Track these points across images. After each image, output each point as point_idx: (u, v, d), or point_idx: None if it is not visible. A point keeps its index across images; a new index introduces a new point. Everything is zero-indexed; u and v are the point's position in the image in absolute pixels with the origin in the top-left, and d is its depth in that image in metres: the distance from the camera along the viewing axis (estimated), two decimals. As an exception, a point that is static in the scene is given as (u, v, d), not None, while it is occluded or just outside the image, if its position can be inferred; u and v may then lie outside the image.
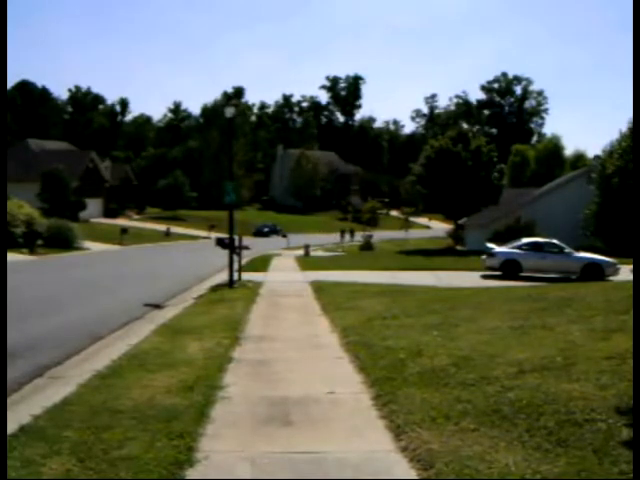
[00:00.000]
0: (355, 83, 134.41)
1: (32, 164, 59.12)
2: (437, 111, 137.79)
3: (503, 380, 6.40)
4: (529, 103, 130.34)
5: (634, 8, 4.34)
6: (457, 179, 44.49)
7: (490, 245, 26.42)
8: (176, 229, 63.43)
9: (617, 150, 25.36)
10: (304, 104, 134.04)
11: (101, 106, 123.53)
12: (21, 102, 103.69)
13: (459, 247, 47.77)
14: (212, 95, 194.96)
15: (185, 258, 35.96)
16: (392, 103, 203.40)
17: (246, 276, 20.02)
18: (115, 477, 4.39)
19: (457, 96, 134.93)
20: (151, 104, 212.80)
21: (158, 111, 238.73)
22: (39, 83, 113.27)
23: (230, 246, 19.05)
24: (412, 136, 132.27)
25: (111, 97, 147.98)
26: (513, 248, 25.15)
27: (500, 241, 29.44)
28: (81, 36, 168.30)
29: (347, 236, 61.19)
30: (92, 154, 68.56)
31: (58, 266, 28.30)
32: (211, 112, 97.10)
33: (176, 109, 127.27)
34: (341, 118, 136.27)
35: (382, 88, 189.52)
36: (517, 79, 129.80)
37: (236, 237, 19.75)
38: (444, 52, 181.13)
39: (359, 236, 56.41)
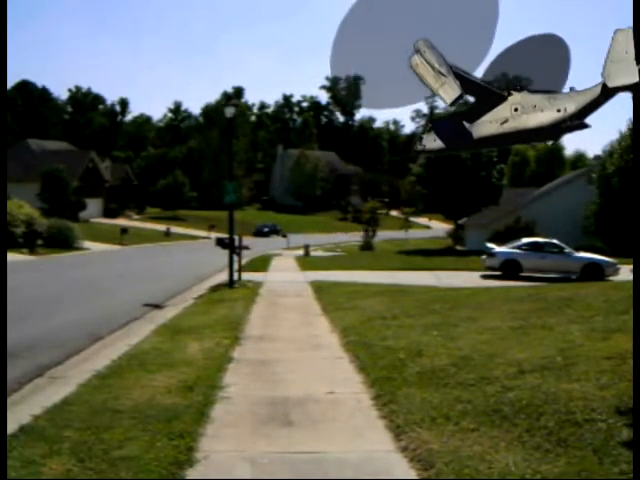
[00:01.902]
0: (355, 83, 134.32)
1: (32, 164, 59.06)
2: (437, 111, 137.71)
3: (503, 380, 6.40)
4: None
5: (634, 8, 4.34)
6: (457, 179, 44.43)
7: (490, 245, 26.41)
8: (176, 229, 63.37)
9: (617, 150, 25.34)
10: (304, 104, 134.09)
11: (101, 106, 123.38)
12: (21, 102, 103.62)
13: (459, 247, 47.72)
14: (212, 95, 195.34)
15: (185, 258, 35.91)
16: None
17: (246, 276, 20.02)
18: (115, 477, 4.39)
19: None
20: (151, 104, 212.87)
21: (158, 111, 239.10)
22: (39, 83, 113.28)
23: (230, 246, 19.06)
24: (412, 136, 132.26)
25: (111, 97, 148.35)
26: (513, 248, 25.14)
27: (500, 241, 29.41)
28: (81, 36, 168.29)
29: (370, 234, 60.80)
30: (92, 154, 68.51)
31: (58, 266, 28.29)
32: (211, 112, 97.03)
33: (176, 109, 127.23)
34: (341, 118, 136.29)
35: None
36: (517, 79, 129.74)
37: (236, 237, 19.75)
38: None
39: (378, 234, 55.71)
